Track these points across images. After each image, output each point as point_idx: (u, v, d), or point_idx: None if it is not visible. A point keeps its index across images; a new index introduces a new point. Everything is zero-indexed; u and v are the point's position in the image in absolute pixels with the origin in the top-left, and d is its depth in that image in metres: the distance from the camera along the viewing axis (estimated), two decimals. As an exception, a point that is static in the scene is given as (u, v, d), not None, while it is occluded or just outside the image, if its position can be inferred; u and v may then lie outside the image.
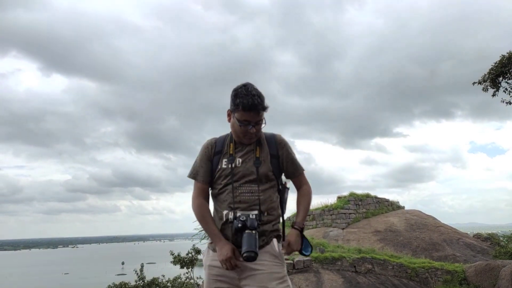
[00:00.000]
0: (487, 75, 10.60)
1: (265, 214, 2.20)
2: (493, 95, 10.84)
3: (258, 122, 2.22)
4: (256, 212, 2.15)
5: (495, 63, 10.47)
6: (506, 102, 10.65)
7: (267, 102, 2.26)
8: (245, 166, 2.24)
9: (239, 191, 2.20)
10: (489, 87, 10.78)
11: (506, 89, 10.57)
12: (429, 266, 12.48)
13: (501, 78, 10.51)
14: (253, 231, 2.06)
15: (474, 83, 10.97)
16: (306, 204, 2.35)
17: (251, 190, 2.20)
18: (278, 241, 2.25)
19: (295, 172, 2.36)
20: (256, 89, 2.21)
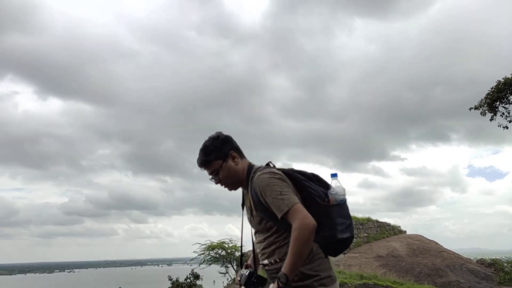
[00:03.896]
0: (484, 100, 10.77)
1: (277, 261, 2.05)
2: (491, 119, 10.97)
3: (214, 172, 2.21)
4: (250, 269, 2.14)
5: (492, 88, 10.65)
6: (503, 127, 10.77)
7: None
8: (248, 216, 2.23)
9: (255, 241, 2.23)
10: (486, 111, 10.92)
11: (503, 113, 10.70)
12: (433, 292, 12.23)
13: (498, 103, 10.67)
14: None
15: (471, 108, 11.12)
16: (290, 248, 1.92)
17: (258, 240, 2.18)
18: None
19: (278, 213, 1.99)
20: (205, 143, 2.24)
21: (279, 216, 1.97)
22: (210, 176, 2.25)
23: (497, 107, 10.71)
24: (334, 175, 2.15)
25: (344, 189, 2.11)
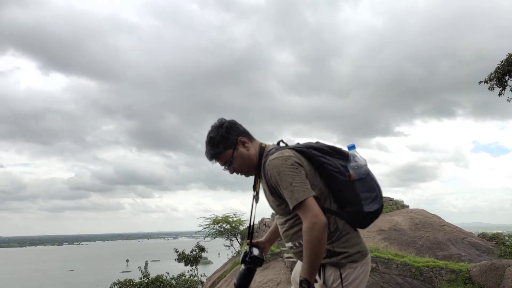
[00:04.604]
0: (494, 74, 10.54)
1: (301, 243, 1.95)
2: (500, 94, 10.78)
3: (227, 163, 2.09)
4: (246, 249, 2.14)
5: (502, 62, 10.40)
6: (512, 101, 10.58)
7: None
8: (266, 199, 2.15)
9: (277, 223, 2.18)
10: (495, 86, 10.71)
11: (513, 87, 10.49)
12: (434, 265, 12.45)
13: (507, 77, 10.44)
14: (242, 265, 2.10)
15: (480, 82, 10.90)
16: (305, 251, 1.85)
17: (280, 223, 2.12)
18: (323, 269, 1.97)
19: (289, 205, 1.89)
20: (209, 134, 2.10)
21: (290, 207, 1.89)
22: (223, 167, 2.12)
23: (506, 81, 10.50)
24: (351, 147, 1.99)
25: (365, 161, 1.98)
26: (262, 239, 2.29)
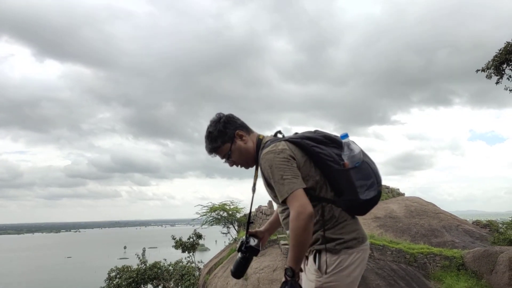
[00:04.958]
0: (491, 62, 10.51)
1: None
2: (497, 82, 10.77)
3: (226, 156, 2.16)
4: (243, 239, 2.19)
5: (500, 50, 10.36)
6: (509, 90, 10.59)
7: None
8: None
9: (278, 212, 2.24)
10: (492, 74, 10.69)
11: (510, 76, 10.48)
12: (428, 251, 12.63)
13: (505, 65, 10.42)
14: (238, 254, 2.16)
15: (477, 70, 10.87)
16: (290, 240, 1.90)
17: (279, 211, 2.17)
18: (319, 255, 2.01)
19: (279, 198, 1.94)
20: (208, 129, 2.17)
21: (280, 201, 1.95)
22: (223, 161, 2.20)
23: (503, 70, 10.48)
24: (344, 136, 2.02)
25: (358, 149, 1.99)
26: (261, 228, 2.32)
